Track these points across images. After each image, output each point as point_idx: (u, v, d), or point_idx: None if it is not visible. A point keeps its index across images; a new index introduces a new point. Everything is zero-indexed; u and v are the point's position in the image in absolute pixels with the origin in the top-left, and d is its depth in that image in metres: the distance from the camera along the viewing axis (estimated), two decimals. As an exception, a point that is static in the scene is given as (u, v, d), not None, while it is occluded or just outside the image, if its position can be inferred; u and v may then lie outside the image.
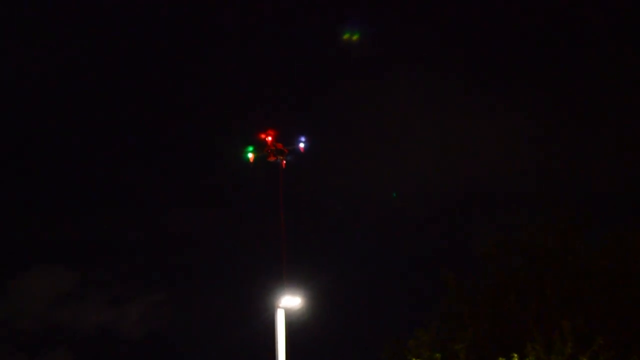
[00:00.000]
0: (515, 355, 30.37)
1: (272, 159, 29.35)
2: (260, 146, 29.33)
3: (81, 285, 69.93)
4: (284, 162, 29.39)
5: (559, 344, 30.57)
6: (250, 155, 29.32)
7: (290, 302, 30.07)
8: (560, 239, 34.36)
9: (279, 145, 29.36)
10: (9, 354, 66.79)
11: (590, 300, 32.90)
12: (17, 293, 68.44)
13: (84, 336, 67.21)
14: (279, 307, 29.92)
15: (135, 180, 71.59)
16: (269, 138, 29.24)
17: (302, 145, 29.24)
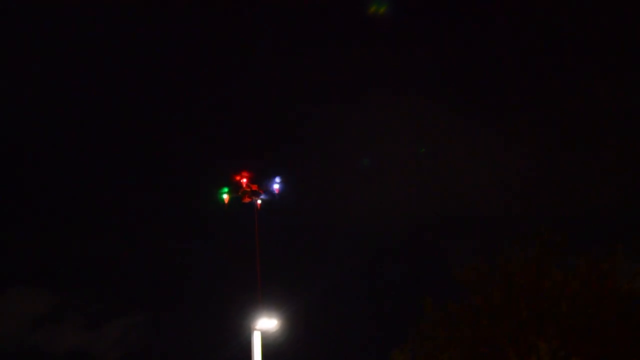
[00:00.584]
0: (492, 376, 30.43)
1: (247, 200, 29.37)
2: (235, 187, 29.34)
3: (59, 308, 69.55)
4: (259, 203, 29.41)
5: (535, 365, 30.69)
6: (225, 197, 29.30)
7: (266, 324, 29.99)
8: (535, 262, 34.47)
9: (254, 187, 29.38)
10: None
11: (566, 322, 32.98)
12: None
13: (60, 359, 66.76)
14: (256, 329, 29.84)
15: (117, 204, 71.53)
16: (244, 180, 29.27)
17: (276, 186, 29.33)
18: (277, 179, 29.28)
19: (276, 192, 29.27)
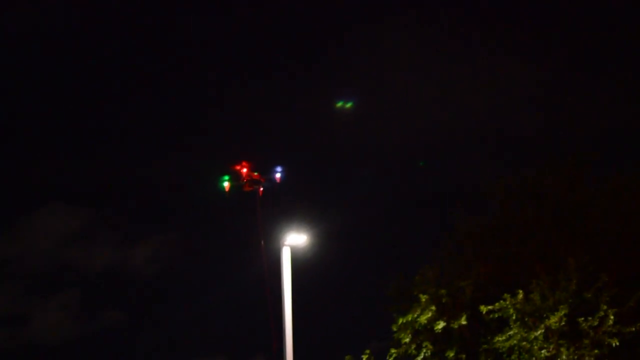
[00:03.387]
0: (521, 292, 30.60)
1: (248, 188, 29.32)
2: (235, 176, 29.25)
3: (92, 224, 70.28)
4: (261, 190, 29.35)
5: (563, 282, 30.79)
6: (226, 184, 29.20)
7: (296, 239, 30.18)
8: (565, 178, 34.42)
9: (255, 176, 29.29)
10: (19, 294, 67.37)
11: (595, 239, 33.02)
12: (28, 232, 68.79)
13: (94, 276, 67.72)
14: (285, 245, 30.05)
15: (151, 126, 71.65)
16: (244, 170, 29.16)
17: (278, 175, 29.24)
18: (279, 169, 29.17)
19: (277, 181, 29.23)
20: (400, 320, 32.69)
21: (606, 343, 29.68)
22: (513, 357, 30.28)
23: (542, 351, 29.57)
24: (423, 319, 31.85)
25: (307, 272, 32.65)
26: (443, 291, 32.58)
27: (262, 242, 29.28)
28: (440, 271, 34.32)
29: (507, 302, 30.59)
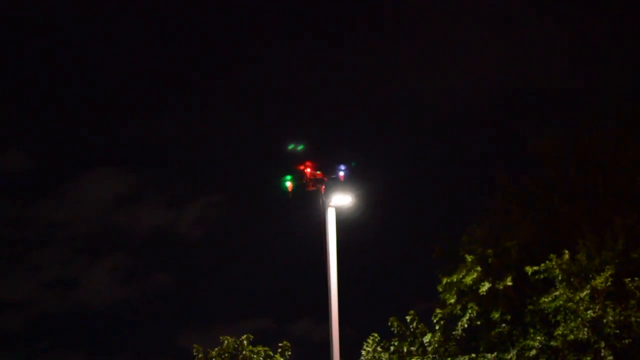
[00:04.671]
0: (566, 252, 30.42)
1: (311, 188, 29.52)
2: (298, 176, 29.48)
3: (139, 188, 70.90)
4: (323, 188, 29.51)
5: (610, 241, 30.57)
6: (289, 184, 29.38)
7: (341, 200, 30.18)
8: (613, 136, 34.02)
9: (318, 175, 29.46)
10: (68, 257, 68.33)
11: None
12: (76, 196, 69.60)
13: (142, 238, 68.41)
14: (330, 206, 30.07)
15: (197, 87, 71.85)
16: (308, 170, 29.33)
17: (341, 173, 29.37)
18: (342, 167, 29.27)
19: (341, 179, 29.33)
20: (445, 281, 32.66)
21: (653, 303, 29.51)
22: (559, 317, 30.16)
23: (588, 312, 29.41)
24: (468, 280, 31.79)
25: (352, 234, 32.66)
26: (490, 251, 32.49)
27: (326, 250, 29.47)
28: (487, 231, 34.17)
29: (553, 263, 30.43)
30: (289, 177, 29.44)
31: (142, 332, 64.41)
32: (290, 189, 29.39)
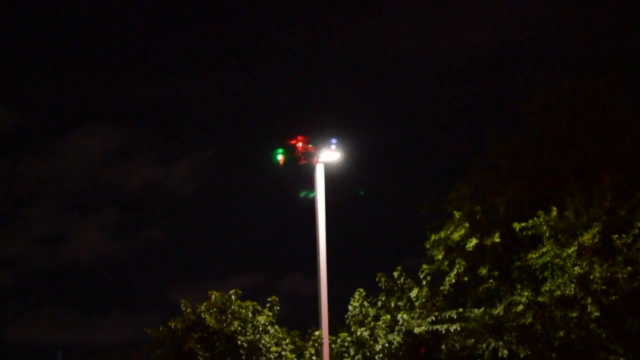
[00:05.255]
0: (554, 208, 30.53)
1: (303, 162, 29.66)
2: (290, 150, 29.60)
3: (129, 144, 70.74)
4: (316, 161, 29.66)
5: (598, 198, 30.67)
6: (280, 157, 29.48)
7: (329, 156, 30.19)
8: (602, 94, 34.00)
9: (310, 148, 29.60)
10: (58, 213, 68.23)
11: (630, 156, 32.74)
12: (66, 152, 69.43)
13: (132, 194, 68.37)
14: (318, 162, 30.08)
15: (187, 45, 71.36)
16: (299, 144, 29.45)
17: (333, 147, 29.54)
18: (334, 140, 29.41)
19: (333, 150, 29.48)
20: (433, 237, 32.77)
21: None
22: (546, 273, 30.32)
23: (575, 268, 29.57)
24: (456, 236, 31.88)
25: (342, 190, 32.71)
26: (477, 207, 32.55)
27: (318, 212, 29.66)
28: (475, 188, 34.21)
29: (541, 219, 30.53)
30: (280, 151, 29.62)
31: (132, 288, 64.66)
32: (282, 162, 29.55)
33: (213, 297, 30.51)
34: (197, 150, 71.58)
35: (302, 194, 30.17)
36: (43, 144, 72.68)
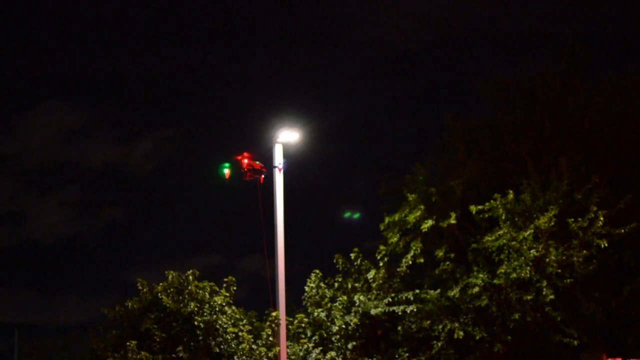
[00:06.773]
0: (511, 191, 30.66)
1: (249, 178, 29.45)
2: (236, 166, 29.38)
3: (90, 121, 69.99)
4: (262, 177, 29.48)
5: (555, 181, 30.85)
6: (226, 171, 29.27)
7: (288, 136, 30.05)
8: (560, 78, 34.14)
9: (257, 165, 29.40)
10: (17, 191, 67.41)
11: (588, 139, 32.95)
12: (26, 129, 68.49)
13: (93, 172, 67.71)
14: (277, 142, 29.93)
15: (148, 19, 70.64)
16: (245, 160, 29.22)
17: (280, 166, 29.39)
18: (281, 159, 29.27)
19: (279, 171, 29.30)
20: (388, 219, 32.83)
21: (595, 244, 29.91)
22: (502, 256, 30.49)
23: (531, 251, 29.78)
24: (411, 218, 31.95)
25: (300, 171, 32.60)
26: (432, 190, 32.62)
27: (263, 228, 29.64)
28: (432, 170, 34.28)
29: (497, 202, 30.68)
30: (227, 165, 29.46)
31: (91, 268, 64.16)
32: (227, 176, 29.45)
33: (170, 277, 30.30)
34: (159, 129, 71.06)
35: (346, 215, 29.98)
36: (2, 120, 71.74)
